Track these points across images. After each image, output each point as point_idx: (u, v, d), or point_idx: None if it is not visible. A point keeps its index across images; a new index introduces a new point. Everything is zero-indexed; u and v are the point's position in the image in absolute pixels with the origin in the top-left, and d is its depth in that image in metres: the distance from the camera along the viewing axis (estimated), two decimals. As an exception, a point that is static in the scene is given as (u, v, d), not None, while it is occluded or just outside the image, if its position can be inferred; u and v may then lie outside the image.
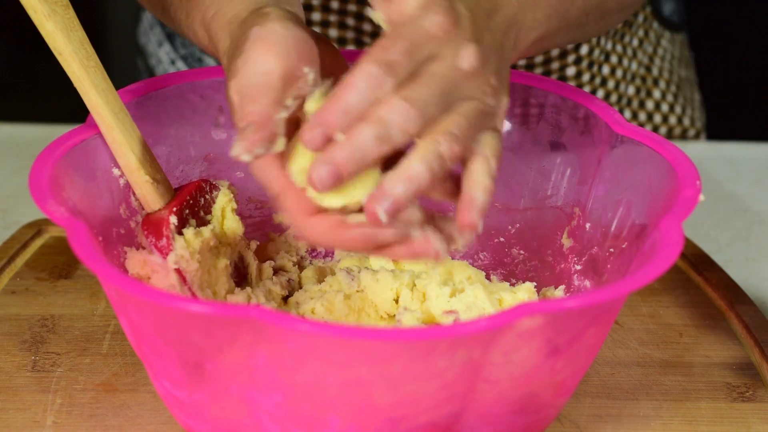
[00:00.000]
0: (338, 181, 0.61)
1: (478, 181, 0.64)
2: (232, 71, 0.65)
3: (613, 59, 1.13)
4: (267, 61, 0.64)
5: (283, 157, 0.65)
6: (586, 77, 1.10)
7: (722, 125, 1.45)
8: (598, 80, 1.11)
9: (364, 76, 0.60)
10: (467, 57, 0.63)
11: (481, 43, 0.64)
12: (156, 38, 1.19)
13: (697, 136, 1.19)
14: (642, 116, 1.15)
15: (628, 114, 1.14)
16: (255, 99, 0.64)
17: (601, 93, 1.12)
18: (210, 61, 1.14)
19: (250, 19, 0.67)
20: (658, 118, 1.16)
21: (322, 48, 0.69)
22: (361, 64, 0.61)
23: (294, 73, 0.65)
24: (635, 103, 1.15)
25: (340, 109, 0.60)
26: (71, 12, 0.68)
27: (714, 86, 1.51)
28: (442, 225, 0.66)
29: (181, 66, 1.16)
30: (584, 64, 1.09)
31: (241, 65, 0.65)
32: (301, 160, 0.64)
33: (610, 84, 1.13)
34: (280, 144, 0.64)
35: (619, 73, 1.13)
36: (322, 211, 0.64)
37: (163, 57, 1.17)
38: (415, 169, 0.61)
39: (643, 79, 1.15)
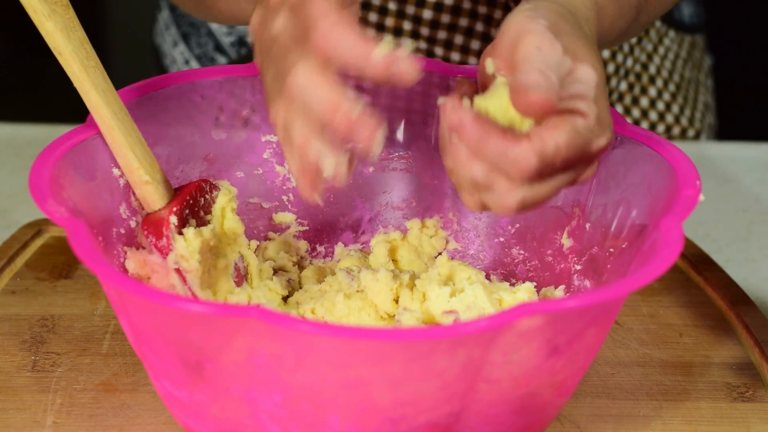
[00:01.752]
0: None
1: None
2: None
3: (605, 53, 1.13)
4: None
5: None
6: None
7: (736, 126, 1.45)
8: None
9: (518, 154, 0.62)
10: (591, 172, 0.66)
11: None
12: (171, 38, 1.19)
13: (696, 137, 1.19)
14: (636, 112, 1.15)
15: (620, 109, 1.14)
16: None
17: None
18: (222, 61, 1.14)
19: None
20: (654, 116, 1.16)
21: None
22: (526, 141, 0.62)
23: None
24: (628, 99, 1.15)
25: (479, 141, 0.62)
26: (71, 12, 0.68)
27: (729, 87, 1.51)
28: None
29: (194, 66, 1.16)
30: None
31: None
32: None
33: None
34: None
35: (610, 67, 1.13)
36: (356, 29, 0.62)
37: (178, 57, 1.18)
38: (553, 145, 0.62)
39: (638, 76, 1.16)
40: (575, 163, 0.64)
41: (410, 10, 1.03)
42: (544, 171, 0.63)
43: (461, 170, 0.64)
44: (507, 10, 1.04)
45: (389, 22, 1.04)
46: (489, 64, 0.67)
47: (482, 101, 0.66)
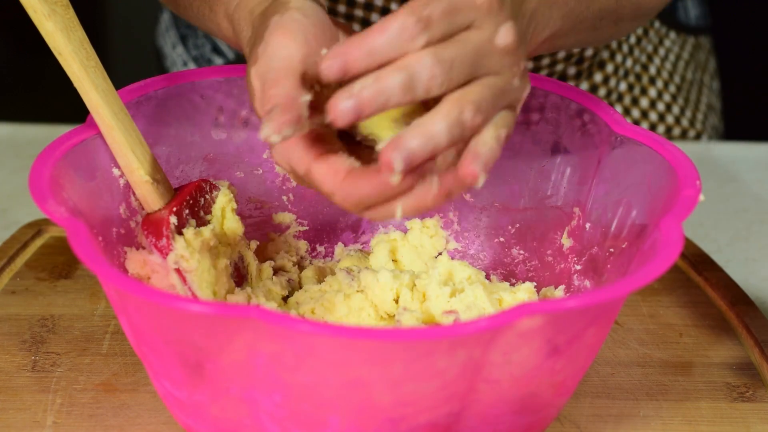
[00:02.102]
0: (357, 117, 0.61)
1: (484, 140, 0.63)
2: (253, 58, 0.66)
3: (604, 54, 1.13)
4: (286, 46, 0.65)
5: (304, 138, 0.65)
6: (571, 71, 1.10)
7: (743, 127, 1.45)
8: (584, 74, 1.11)
9: (398, 25, 0.60)
10: (505, 35, 0.63)
11: (518, 26, 0.64)
12: (171, 40, 1.20)
13: (697, 138, 1.19)
14: (635, 113, 1.15)
15: (619, 109, 1.14)
16: (277, 82, 0.64)
17: (585, 85, 1.12)
18: (219, 62, 1.14)
19: (270, 9, 0.68)
20: (654, 116, 1.16)
21: (345, 35, 0.69)
22: (397, 13, 0.61)
23: (314, 58, 0.65)
24: (627, 100, 1.15)
25: (364, 47, 0.60)
26: (71, 12, 0.68)
27: (735, 89, 1.51)
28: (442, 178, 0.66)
29: (192, 67, 1.16)
30: (572, 59, 1.09)
31: (261, 52, 0.65)
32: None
33: (597, 77, 1.12)
34: (305, 126, 0.64)
35: (609, 68, 1.13)
36: (352, 171, 0.64)
37: (177, 59, 1.18)
38: (436, 127, 0.61)
39: (638, 77, 1.15)
40: (453, 17, 0.62)
41: None
42: (431, 28, 0.61)
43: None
44: None
45: None
46: None
47: None
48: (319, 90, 0.66)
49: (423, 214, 0.65)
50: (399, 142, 0.61)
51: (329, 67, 0.61)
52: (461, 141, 0.63)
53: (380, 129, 0.66)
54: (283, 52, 0.65)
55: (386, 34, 0.60)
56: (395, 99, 0.61)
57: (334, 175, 0.65)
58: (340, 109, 0.60)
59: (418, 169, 0.63)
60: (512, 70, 0.64)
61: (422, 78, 0.61)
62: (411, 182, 0.63)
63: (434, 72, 0.61)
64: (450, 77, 0.61)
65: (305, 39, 0.65)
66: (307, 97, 0.64)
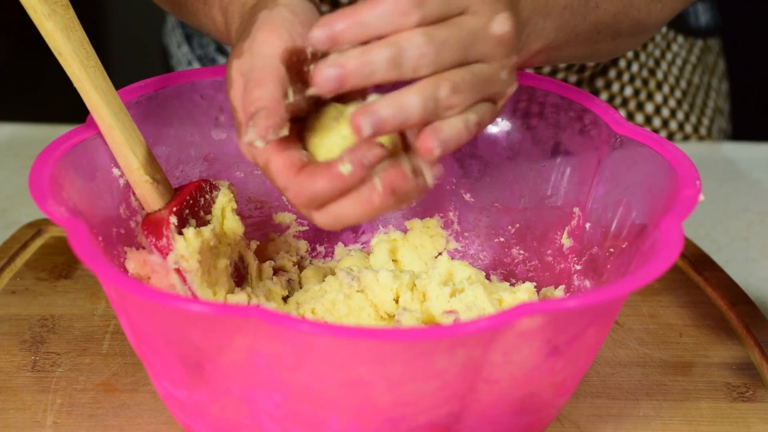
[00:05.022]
0: (339, 86, 0.60)
1: (451, 121, 0.63)
2: (237, 51, 0.66)
3: (608, 62, 1.12)
4: (272, 43, 0.65)
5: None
6: (573, 78, 1.10)
7: (752, 129, 1.45)
8: (585, 81, 1.11)
9: (392, 1, 0.60)
10: (501, 23, 0.63)
11: (514, 18, 0.64)
12: (176, 39, 1.20)
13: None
14: (639, 118, 1.15)
15: (623, 113, 1.14)
16: (261, 83, 0.64)
17: (587, 90, 1.11)
18: (223, 62, 1.14)
19: (260, 3, 0.68)
20: (657, 122, 1.16)
21: None
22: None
23: (299, 56, 0.65)
24: (632, 104, 1.14)
25: (355, 18, 0.60)
26: (71, 12, 0.68)
27: (746, 89, 1.51)
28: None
29: (197, 66, 1.16)
30: (573, 68, 1.09)
31: (247, 47, 0.65)
32: (322, 137, 0.65)
33: (599, 83, 1.12)
34: (286, 129, 0.64)
35: (612, 73, 1.13)
36: (307, 166, 0.64)
37: (182, 58, 1.18)
38: (410, 100, 0.61)
39: (645, 82, 1.15)
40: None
41: None
42: (425, 6, 0.61)
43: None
44: None
45: None
46: None
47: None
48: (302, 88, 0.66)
49: (377, 216, 0.65)
50: (370, 108, 0.61)
51: (317, 36, 0.60)
52: (434, 118, 0.62)
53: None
54: (268, 50, 0.65)
55: (379, 7, 0.60)
56: (381, 73, 0.60)
57: (289, 168, 0.64)
58: (324, 76, 0.60)
59: (368, 166, 0.63)
60: (502, 62, 0.64)
61: (411, 55, 0.60)
62: (361, 174, 0.63)
63: (424, 50, 0.60)
64: (441, 58, 0.61)
65: (291, 37, 0.65)
66: (290, 100, 0.64)
